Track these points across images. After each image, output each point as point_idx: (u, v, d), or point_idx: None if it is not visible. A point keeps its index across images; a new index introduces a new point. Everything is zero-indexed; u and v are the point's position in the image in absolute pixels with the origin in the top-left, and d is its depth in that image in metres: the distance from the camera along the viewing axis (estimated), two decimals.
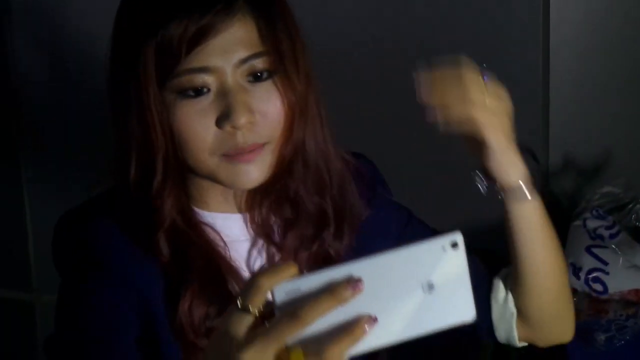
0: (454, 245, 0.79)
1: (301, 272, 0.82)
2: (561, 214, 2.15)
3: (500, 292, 1.27)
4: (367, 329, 0.76)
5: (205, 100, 1.07)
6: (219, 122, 1.06)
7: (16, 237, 2.89)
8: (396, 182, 1.36)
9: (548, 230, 1.21)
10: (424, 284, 0.78)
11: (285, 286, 0.78)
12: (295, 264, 0.80)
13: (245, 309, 0.79)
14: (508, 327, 1.27)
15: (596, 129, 2.26)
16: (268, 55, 1.08)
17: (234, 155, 1.08)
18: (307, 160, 1.16)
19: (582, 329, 1.86)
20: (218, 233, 1.16)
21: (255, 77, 1.08)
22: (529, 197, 1.18)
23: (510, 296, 1.26)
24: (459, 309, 0.79)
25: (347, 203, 1.22)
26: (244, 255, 1.18)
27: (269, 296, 0.79)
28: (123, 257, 1.11)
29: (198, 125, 1.06)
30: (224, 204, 1.19)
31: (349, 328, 0.76)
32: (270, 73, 1.09)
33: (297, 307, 0.76)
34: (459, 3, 2.23)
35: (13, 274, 2.92)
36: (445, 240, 0.79)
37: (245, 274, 1.16)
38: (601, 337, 1.83)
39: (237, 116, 1.05)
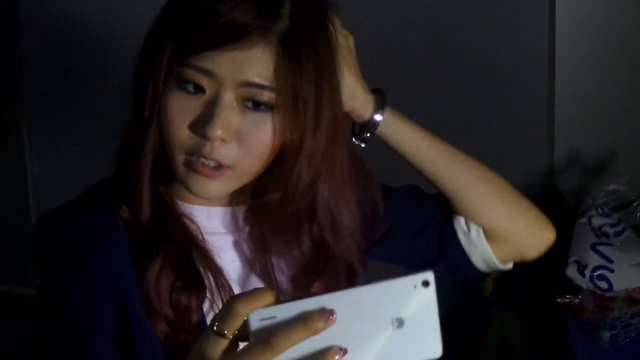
0: (425, 283, 0.80)
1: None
2: (566, 212, 2.15)
3: (461, 221, 1.31)
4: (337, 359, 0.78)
5: (196, 101, 1.07)
6: (194, 126, 1.07)
7: (18, 233, 2.90)
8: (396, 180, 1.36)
9: (433, 141, 1.28)
10: (394, 319, 0.80)
11: (261, 313, 0.79)
12: (272, 291, 0.81)
13: (220, 334, 0.80)
14: (482, 249, 1.30)
15: (601, 127, 2.26)
16: (275, 93, 1.06)
17: (196, 164, 1.08)
18: (315, 204, 1.17)
19: (588, 327, 1.87)
20: (195, 223, 1.18)
21: (255, 104, 1.07)
22: (383, 117, 1.24)
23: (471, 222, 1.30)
24: (427, 345, 0.80)
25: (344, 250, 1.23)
26: (219, 246, 1.19)
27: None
28: (93, 250, 1.12)
29: (178, 118, 1.07)
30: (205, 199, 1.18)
31: (319, 358, 0.78)
32: (271, 109, 1.07)
33: (271, 334, 0.77)
34: (466, 4, 2.23)
35: (14, 269, 2.94)
36: (417, 278, 0.80)
37: (219, 261, 1.17)
38: (606, 334, 1.83)
39: (212, 128, 1.05)
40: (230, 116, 1.06)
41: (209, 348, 0.80)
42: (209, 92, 1.06)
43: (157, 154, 1.11)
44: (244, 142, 1.07)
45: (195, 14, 1.05)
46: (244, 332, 0.80)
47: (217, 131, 1.04)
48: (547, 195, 2.24)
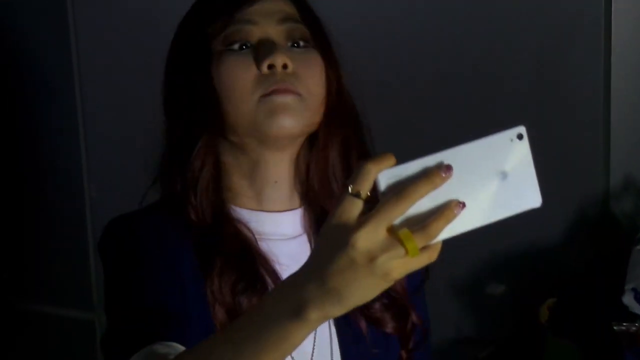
0: (520, 136, 0.86)
1: None
2: (623, 238, 2.13)
3: None
4: (458, 212, 0.83)
5: (249, 52, 1.17)
6: (258, 62, 1.15)
7: (78, 256, 2.94)
8: None
9: None
10: (499, 172, 0.86)
11: (388, 173, 0.84)
12: (392, 155, 0.85)
13: (356, 195, 0.83)
14: None
15: None
16: (306, 26, 1.19)
17: (269, 94, 1.15)
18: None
19: None
20: (252, 231, 1.21)
21: (295, 43, 1.18)
22: None
23: None
24: (528, 195, 0.87)
25: None
26: (275, 252, 1.22)
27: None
28: (161, 241, 1.18)
29: (240, 70, 1.16)
30: (257, 202, 1.23)
31: (443, 210, 0.83)
32: (307, 44, 1.19)
33: (401, 190, 0.82)
34: (522, 30, 2.23)
35: (75, 293, 2.98)
36: (512, 133, 0.86)
37: (277, 267, 1.20)
38: None
39: (275, 55, 1.14)
40: (285, 50, 1.17)
41: (346, 211, 0.83)
42: (256, 40, 1.17)
43: (214, 154, 1.19)
44: (304, 70, 1.17)
45: (213, 9, 1.19)
46: (372, 194, 0.83)
47: (280, 56, 1.14)
48: (603, 222, 2.22)
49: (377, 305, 1.23)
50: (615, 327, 1.92)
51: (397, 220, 0.83)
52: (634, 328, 1.91)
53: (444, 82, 2.33)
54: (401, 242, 0.81)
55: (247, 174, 1.21)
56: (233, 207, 1.22)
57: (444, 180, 0.83)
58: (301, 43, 1.18)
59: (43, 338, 3.09)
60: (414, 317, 1.26)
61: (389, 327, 1.24)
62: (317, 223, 1.23)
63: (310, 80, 1.17)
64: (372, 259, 0.81)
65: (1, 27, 3.01)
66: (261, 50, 1.16)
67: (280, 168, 1.21)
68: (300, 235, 1.24)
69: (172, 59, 1.24)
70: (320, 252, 0.85)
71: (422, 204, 0.83)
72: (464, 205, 0.83)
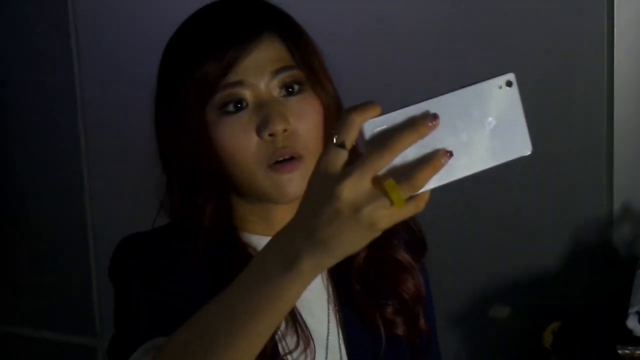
0: (509, 83, 0.85)
1: None
2: (626, 262, 2.13)
3: None
4: (445, 161, 0.82)
5: (245, 115, 1.15)
6: (259, 132, 1.14)
7: (81, 283, 2.94)
8: None
9: None
10: (487, 120, 0.84)
11: (373, 122, 0.83)
12: (377, 104, 0.85)
13: (341, 145, 0.83)
14: None
15: None
16: (298, 69, 1.18)
17: (278, 165, 1.15)
18: None
19: None
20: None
21: (288, 91, 1.17)
22: None
23: None
24: (518, 143, 0.85)
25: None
26: None
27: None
28: (174, 263, 1.18)
29: (240, 137, 1.15)
30: (268, 227, 1.23)
31: (430, 159, 0.82)
32: (301, 86, 1.18)
33: (386, 140, 0.81)
34: (524, 57, 2.24)
35: (77, 319, 2.97)
36: (501, 80, 0.85)
37: None
38: None
39: (274, 123, 1.13)
40: (279, 108, 1.15)
41: (331, 161, 0.83)
42: (250, 101, 1.16)
43: (219, 190, 1.19)
44: (301, 125, 1.16)
45: (202, 54, 1.16)
46: (357, 144, 0.83)
47: (279, 124, 1.13)
48: (606, 246, 2.21)
49: (389, 309, 1.25)
50: (619, 351, 1.91)
51: (382, 171, 0.82)
52: (638, 352, 1.91)
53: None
54: (386, 193, 0.81)
55: (257, 209, 1.23)
56: (243, 232, 1.23)
57: (430, 129, 0.82)
58: (295, 87, 1.18)
59: None
60: (421, 323, 1.28)
61: (400, 330, 1.26)
62: None
63: (310, 134, 1.17)
64: (357, 209, 0.81)
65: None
66: (259, 115, 1.15)
67: (289, 205, 1.21)
68: None
69: (162, 108, 1.23)
70: (307, 204, 0.85)
71: (409, 153, 0.82)
72: (451, 154, 0.82)
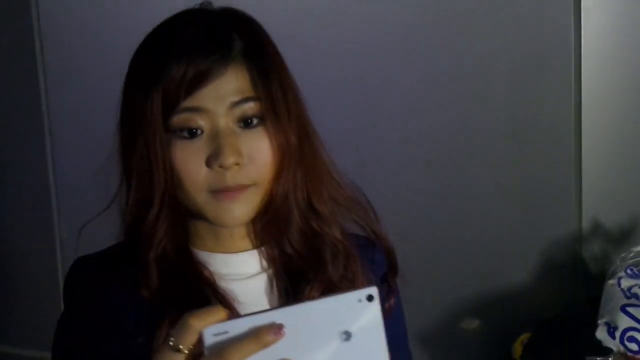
0: (370, 297, 0.85)
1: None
2: (594, 275, 2.14)
3: None
4: None
5: (199, 142, 1.14)
6: (209, 162, 1.13)
7: (49, 297, 2.91)
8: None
9: None
10: (342, 332, 0.84)
11: (214, 328, 0.84)
12: (224, 308, 0.86)
13: (176, 349, 0.84)
14: None
15: (629, 193, 2.25)
16: (259, 101, 1.15)
17: (220, 192, 1.14)
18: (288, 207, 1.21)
19: None
20: (210, 272, 1.21)
21: (246, 123, 1.15)
22: None
23: None
24: (374, 358, 0.85)
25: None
26: (238, 292, 1.21)
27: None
28: (110, 293, 1.18)
29: (190, 164, 1.14)
30: (217, 244, 1.23)
31: None
32: (261, 119, 1.16)
33: (224, 348, 0.82)
34: (494, 74, 2.25)
35: (48, 335, 2.94)
36: (361, 293, 0.85)
37: (237, 306, 1.19)
38: None
39: (225, 157, 1.12)
40: (234, 141, 1.13)
41: None
42: (206, 129, 1.14)
43: (171, 207, 1.17)
44: (253, 158, 1.14)
45: (163, 73, 1.14)
46: (199, 349, 0.84)
47: (230, 158, 1.12)
48: (575, 260, 2.23)
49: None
50: None
51: None
52: None
53: (415, 112, 2.34)
54: None
55: (206, 226, 1.22)
56: (192, 248, 1.23)
57: (273, 340, 0.82)
58: (254, 121, 1.15)
59: None
60: None
61: None
62: (278, 259, 1.23)
63: (263, 166, 1.16)
64: None
65: None
66: (212, 145, 1.13)
67: (236, 228, 1.23)
68: (259, 273, 1.24)
69: (124, 120, 1.21)
70: None
71: (254, 359, 0.82)
72: None
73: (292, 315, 0.84)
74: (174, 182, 1.16)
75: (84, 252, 1.27)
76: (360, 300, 0.84)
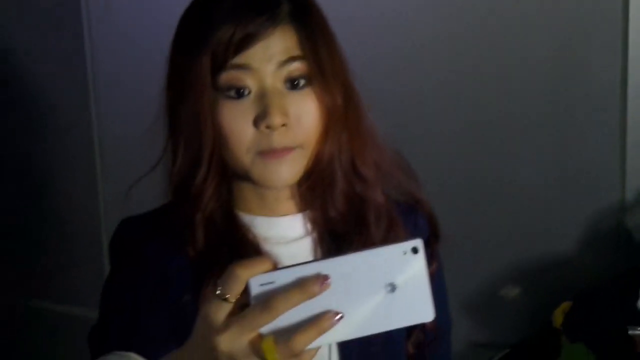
0: (415, 250, 0.84)
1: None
2: (637, 245, 2.13)
3: None
4: (333, 323, 0.82)
5: (246, 102, 1.14)
6: (256, 122, 1.14)
7: (93, 257, 2.95)
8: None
9: None
10: (387, 284, 0.84)
11: (261, 278, 0.84)
12: (270, 259, 0.86)
13: (223, 297, 0.85)
14: None
15: None
16: (306, 61, 1.15)
17: (266, 153, 1.14)
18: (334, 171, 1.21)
19: None
20: (255, 235, 1.22)
21: (293, 84, 1.15)
22: None
23: None
24: (419, 310, 0.85)
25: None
26: (282, 255, 1.22)
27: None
28: (156, 252, 1.20)
29: (237, 124, 1.14)
30: (262, 207, 1.24)
31: (316, 321, 0.82)
32: (307, 81, 1.16)
33: (270, 298, 0.82)
34: (539, 43, 2.23)
35: (89, 293, 2.98)
36: (406, 246, 0.84)
37: None
38: None
39: (272, 117, 1.12)
40: (281, 101, 1.14)
41: (212, 312, 0.85)
42: (253, 89, 1.14)
43: (218, 168, 1.18)
44: (300, 120, 1.15)
45: (212, 35, 1.14)
46: (245, 299, 0.84)
47: (277, 118, 1.12)
48: (619, 229, 2.21)
49: None
50: (630, 332, 1.91)
51: (267, 327, 0.83)
52: None
53: (453, 94, 2.32)
54: (263, 352, 0.82)
55: (251, 188, 1.23)
56: (237, 211, 1.24)
57: (319, 291, 0.82)
58: (301, 82, 1.16)
59: (57, 336, 3.10)
60: None
61: None
62: (322, 223, 1.24)
63: (309, 129, 1.16)
64: None
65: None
66: (259, 105, 1.13)
67: (281, 191, 1.23)
68: (303, 237, 1.25)
69: (173, 81, 1.22)
70: (194, 346, 0.89)
71: (299, 311, 0.83)
72: (341, 317, 0.83)
73: (338, 267, 0.83)
74: (221, 142, 1.16)
75: (128, 214, 1.29)
76: (405, 253, 0.84)
